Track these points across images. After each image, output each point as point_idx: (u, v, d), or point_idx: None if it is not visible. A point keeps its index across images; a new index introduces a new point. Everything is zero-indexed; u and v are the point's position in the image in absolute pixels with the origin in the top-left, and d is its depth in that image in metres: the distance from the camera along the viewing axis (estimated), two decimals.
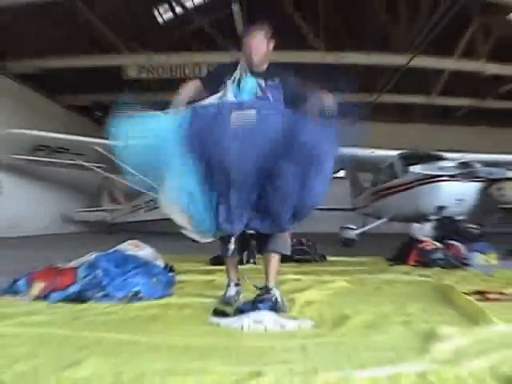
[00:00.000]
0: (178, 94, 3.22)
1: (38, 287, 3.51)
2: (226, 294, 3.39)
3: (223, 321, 2.83)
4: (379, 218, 10.66)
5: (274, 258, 3.34)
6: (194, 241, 3.25)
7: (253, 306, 3.08)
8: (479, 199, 8.76)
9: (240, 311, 2.99)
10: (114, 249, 4.07)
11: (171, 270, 4.45)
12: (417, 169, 8.59)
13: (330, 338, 2.51)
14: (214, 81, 3.28)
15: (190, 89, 3.29)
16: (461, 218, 8.50)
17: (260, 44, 3.23)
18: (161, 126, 2.97)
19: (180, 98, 3.19)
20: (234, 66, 3.29)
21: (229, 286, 3.43)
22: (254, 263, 5.43)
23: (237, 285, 3.44)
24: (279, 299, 3.20)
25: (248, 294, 3.40)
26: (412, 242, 6.53)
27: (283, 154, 2.89)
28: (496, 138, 17.35)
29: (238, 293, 3.40)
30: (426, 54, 12.87)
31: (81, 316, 3.03)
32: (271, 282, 3.30)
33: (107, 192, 16.51)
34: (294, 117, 2.99)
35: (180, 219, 3.07)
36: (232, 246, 3.03)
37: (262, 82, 3.24)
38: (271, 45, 3.29)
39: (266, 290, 3.26)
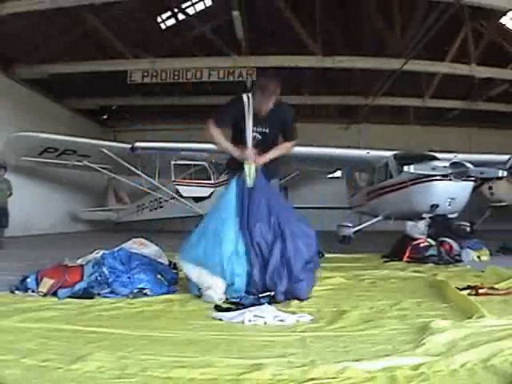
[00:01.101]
0: (221, 140, 3.83)
1: (47, 284, 3.52)
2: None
3: (225, 315, 2.83)
4: (375, 216, 10.66)
5: None
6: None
7: (253, 300, 3.08)
8: (471, 198, 8.76)
9: (241, 306, 2.99)
10: (120, 247, 4.06)
11: (175, 267, 4.45)
12: (411, 168, 8.58)
13: (328, 331, 2.51)
14: (226, 121, 3.86)
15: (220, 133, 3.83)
16: (453, 215, 8.50)
17: (270, 102, 3.73)
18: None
19: (225, 142, 3.84)
20: (240, 103, 3.78)
21: None
22: None
23: None
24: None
25: None
26: (406, 240, 6.54)
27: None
28: (487, 139, 17.37)
29: None
30: (419, 58, 12.86)
31: (88, 312, 3.03)
32: None
33: (113, 192, 16.50)
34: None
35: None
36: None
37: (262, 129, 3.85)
38: (278, 94, 3.76)
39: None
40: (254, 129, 3.80)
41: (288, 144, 3.99)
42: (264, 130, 3.84)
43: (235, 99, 3.88)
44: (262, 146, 3.82)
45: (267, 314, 2.75)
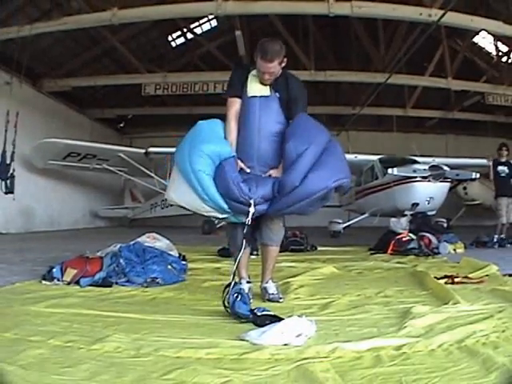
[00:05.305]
0: (229, 124, 2.98)
1: (71, 273, 3.52)
2: None
3: (252, 335, 2.04)
4: (362, 213, 10.66)
5: (275, 251, 3.07)
6: (215, 218, 2.98)
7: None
8: (447, 197, 8.76)
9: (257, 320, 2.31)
10: (135, 241, 4.07)
11: (184, 259, 4.45)
12: (394, 171, 8.58)
13: (320, 316, 2.51)
14: (238, 88, 3.03)
15: (235, 114, 3.00)
16: (432, 213, 8.50)
17: (274, 70, 2.91)
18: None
19: (232, 134, 2.96)
20: (246, 72, 3.04)
21: (240, 283, 2.95)
22: (257, 255, 5.32)
23: (248, 282, 3.04)
24: (275, 292, 2.99)
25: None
26: (390, 234, 6.53)
27: None
28: (461, 144, 17.38)
29: (250, 290, 2.95)
30: (401, 72, 12.86)
31: (106, 298, 3.04)
32: (268, 276, 3.07)
33: (129, 192, 16.48)
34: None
35: (193, 203, 2.79)
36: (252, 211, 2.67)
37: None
38: (283, 64, 2.95)
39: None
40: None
41: None
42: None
43: (237, 66, 3.24)
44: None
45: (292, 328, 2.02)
